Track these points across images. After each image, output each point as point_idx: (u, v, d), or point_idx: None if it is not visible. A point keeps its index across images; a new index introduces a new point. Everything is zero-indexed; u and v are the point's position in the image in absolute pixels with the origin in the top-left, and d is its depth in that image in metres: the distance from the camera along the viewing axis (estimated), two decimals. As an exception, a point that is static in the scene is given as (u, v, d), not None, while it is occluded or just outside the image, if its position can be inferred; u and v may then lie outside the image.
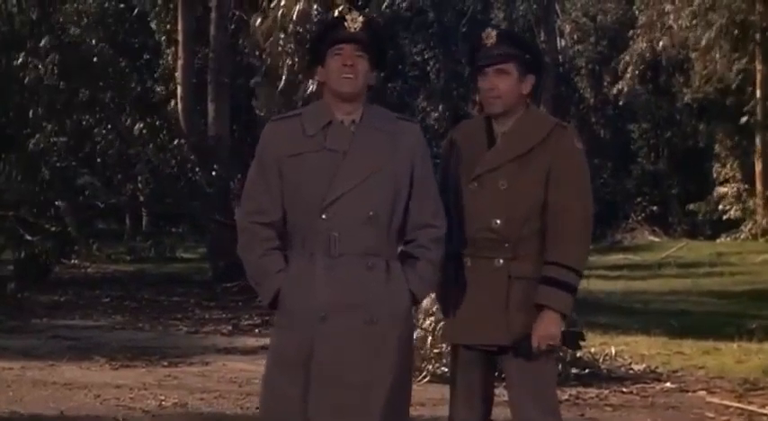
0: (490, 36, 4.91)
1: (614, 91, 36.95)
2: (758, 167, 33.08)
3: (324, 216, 4.49)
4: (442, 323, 6.41)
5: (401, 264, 4.61)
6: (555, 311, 4.78)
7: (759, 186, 32.85)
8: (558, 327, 4.80)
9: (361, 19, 4.61)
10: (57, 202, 19.26)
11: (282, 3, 18.31)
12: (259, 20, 18.67)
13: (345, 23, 4.59)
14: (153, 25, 25.18)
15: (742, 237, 32.63)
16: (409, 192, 4.60)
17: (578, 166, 4.91)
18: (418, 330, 9.32)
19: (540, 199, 4.82)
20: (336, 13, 15.73)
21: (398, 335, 4.56)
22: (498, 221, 4.81)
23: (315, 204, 4.50)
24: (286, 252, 4.62)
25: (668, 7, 33.65)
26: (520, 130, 4.92)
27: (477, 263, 4.87)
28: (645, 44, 35.37)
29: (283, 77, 18.21)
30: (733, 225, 33.85)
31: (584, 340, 5.20)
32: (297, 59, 18.13)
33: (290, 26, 18.06)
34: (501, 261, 4.82)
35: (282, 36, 18.19)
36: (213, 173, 20.62)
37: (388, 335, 4.53)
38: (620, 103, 37.79)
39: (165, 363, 10.77)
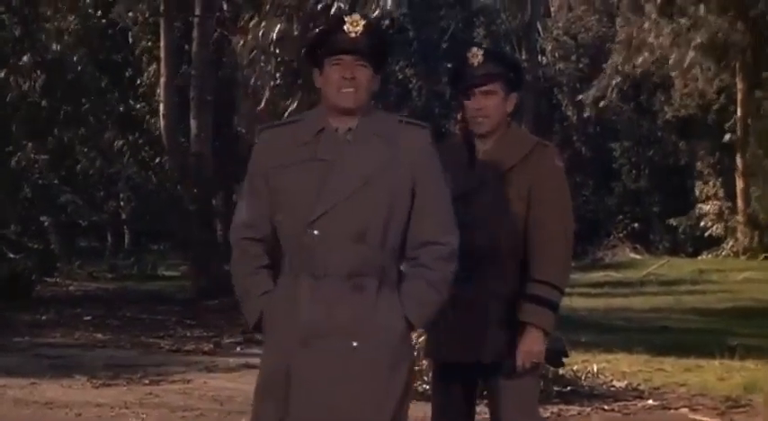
0: (476, 55, 4.87)
1: (587, 100, 37.00)
2: (739, 185, 33.18)
3: (309, 232, 4.12)
4: (422, 338, 6.30)
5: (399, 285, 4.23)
6: (538, 329, 4.76)
7: (741, 204, 32.94)
8: (542, 345, 4.77)
9: (362, 22, 4.21)
10: (41, 219, 19.23)
11: (263, 24, 18.40)
12: (241, 42, 18.75)
13: (345, 27, 4.18)
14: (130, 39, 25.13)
15: (723, 254, 32.70)
16: (410, 206, 4.20)
17: (559, 185, 4.89)
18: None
19: (522, 217, 4.81)
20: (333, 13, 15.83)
21: (389, 363, 4.14)
22: (485, 240, 4.76)
23: (301, 219, 4.14)
24: (276, 270, 4.34)
25: (648, 25, 33.76)
26: (501, 149, 4.90)
27: (465, 283, 4.69)
28: (622, 59, 35.48)
29: (265, 96, 18.27)
30: (714, 242, 33.92)
31: (567, 356, 5.19)
32: (278, 79, 18.20)
33: (271, 47, 18.14)
34: (484, 277, 4.79)
35: (263, 57, 18.27)
36: (195, 190, 20.61)
37: (376, 363, 4.12)
38: (598, 117, 37.87)
39: (147, 382, 10.73)
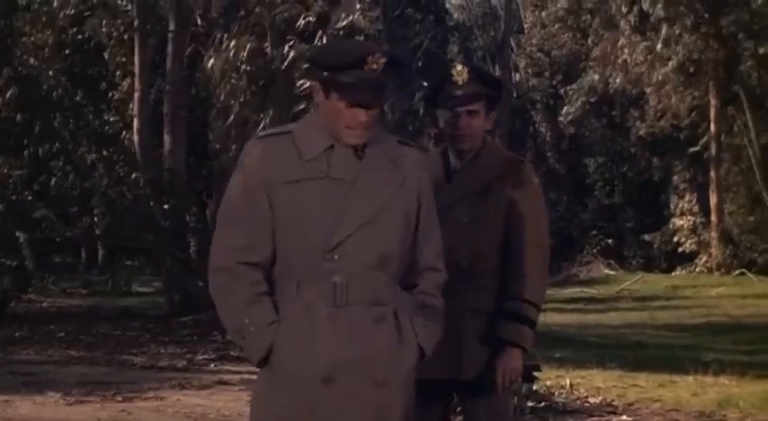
0: (461, 73, 4.82)
1: (565, 120, 37.19)
2: (713, 201, 33.35)
3: (329, 258, 3.77)
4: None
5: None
6: (517, 346, 4.73)
7: (714, 219, 33.11)
8: (520, 362, 4.75)
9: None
10: (17, 234, 19.13)
11: (233, 43, 18.48)
12: (212, 60, 18.80)
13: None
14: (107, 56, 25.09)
15: (697, 270, 32.86)
16: (415, 230, 3.98)
17: (535, 201, 4.87)
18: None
19: (500, 233, 4.78)
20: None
21: (404, 397, 3.92)
22: (463, 257, 4.72)
23: (317, 243, 3.77)
24: (274, 298, 3.88)
25: (622, 41, 33.93)
26: (477, 164, 4.87)
27: (443, 299, 4.55)
28: (597, 76, 35.66)
29: (234, 111, 18.32)
30: (688, 258, 34.09)
31: (539, 371, 5.20)
32: (248, 96, 18.27)
33: (243, 64, 18.22)
34: (461, 293, 4.67)
35: (235, 75, 18.34)
36: (168, 206, 20.55)
37: (396, 398, 3.87)
38: (572, 132, 38.04)
39: (120, 399, 10.68)
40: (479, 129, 4.85)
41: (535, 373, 5.18)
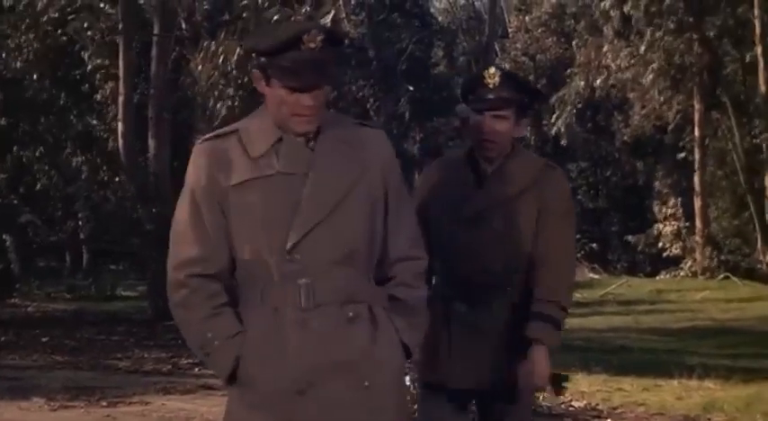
0: (493, 76, 4.68)
1: (553, 130, 37.30)
2: (697, 205, 33.42)
3: (290, 259, 3.52)
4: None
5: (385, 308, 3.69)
6: (545, 346, 4.63)
7: (699, 224, 33.17)
8: (547, 366, 4.64)
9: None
10: (3, 238, 19.11)
11: (221, 48, 18.46)
12: (200, 66, 18.79)
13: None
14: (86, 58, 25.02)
15: (681, 274, 32.91)
16: (384, 218, 3.69)
17: (567, 208, 4.79)
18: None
19: (530, 240, 4.68)
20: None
21: (396, 402, 3.67)
22: (497, 265, 4.63)
23: (275, 245, 3.52)
24: (237, 309, 3.63)
25: (606, 46, 33.98)
26: (509, 171, 4.73)
27: (474, 308, 4.68)
28: (582, 82, 35.72)
29: (221, 115, 18.30)
30: (673, 262, 34.14)
31: (567, 381, 5.08)
32: (237, 101, 18.24)
33: (231, 71, 18.19)
34: (500, 307, 4.66)
35: (223, 81, 18.32)
36: (153, 210, 20.52)
37: (387, 401, 3.62)
38: (562, 143, 38.10)
39: (105, 403, 10.65)
40: (506, 135, 4.71)
41: (564, 384, 5.04)
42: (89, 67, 24.09)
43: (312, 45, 3.52)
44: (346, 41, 24.24)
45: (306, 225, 3.52)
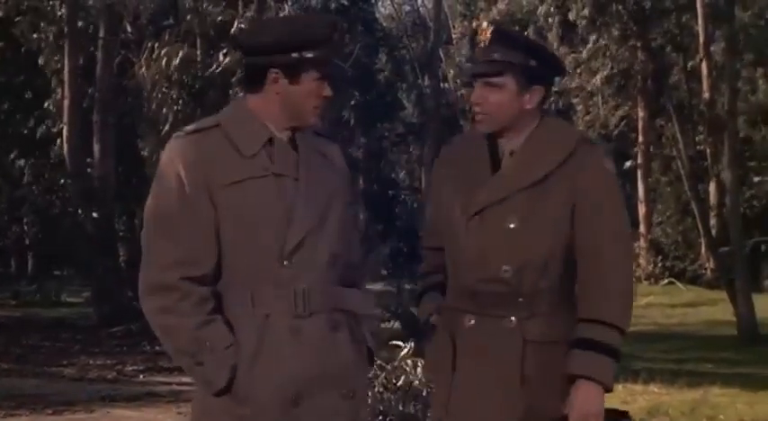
0: (484, 32, 3.77)
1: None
2: (641, 211, 33.65)
3: (286, 263, 3.40)
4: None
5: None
6: (596, 383, 3.72)
7: (643, 230, 33.39)
8: (601, 404, 3.74)
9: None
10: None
11: (164, 51, 18.39)
12: (144, 68, 18.70)
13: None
14: (41, 62, 24.80)
15: (626, 279, 33.07)
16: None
17: (611, 195, 3.79)
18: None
19: (561, 240, 3.76)
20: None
21: (366, 408, 3.62)
22: (508, 269, 3.74)
23: (271, 249, 3.39)
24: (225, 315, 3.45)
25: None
26: (533, 150, 3.80)
27: (483, 322, 3.79)
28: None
29: (169, 121, 18.21)
30: (617, 268, 34.31)
31: (629, 419, 4.14)
32: (181, 105, 18.18)
33: (174, 74, 18.13)
34: (514, 320, 3.76)
35: (167, 84, 18.25)
36: (97, 214, 20.38)
37: (362, 409, 3.55)
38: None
39: (50, 412, 10.58)
40: (502, 107, 3.76)
41: None
42: (42, 71, 23.86)
43: (337, 37, 3.51)
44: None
45: (302, 230, 3.42)
